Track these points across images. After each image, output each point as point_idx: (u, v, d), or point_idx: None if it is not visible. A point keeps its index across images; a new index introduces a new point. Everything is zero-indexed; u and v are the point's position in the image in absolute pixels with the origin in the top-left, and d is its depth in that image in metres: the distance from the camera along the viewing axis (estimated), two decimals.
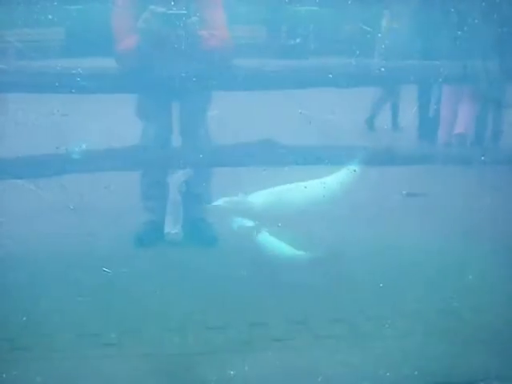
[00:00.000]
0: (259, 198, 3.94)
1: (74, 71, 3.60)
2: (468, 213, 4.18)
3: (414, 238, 4.04)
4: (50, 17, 3.78)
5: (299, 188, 3.95)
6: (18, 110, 3.96)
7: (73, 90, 3.60)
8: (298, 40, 5.66)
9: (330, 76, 3.82)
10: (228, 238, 4.01)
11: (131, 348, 3.12)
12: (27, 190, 3.68)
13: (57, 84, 3.58)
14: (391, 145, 3.99)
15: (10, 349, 3.08)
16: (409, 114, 5.23)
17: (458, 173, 4.32)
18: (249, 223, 3.87)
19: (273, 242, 3.82)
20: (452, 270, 3.68)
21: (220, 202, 3.89)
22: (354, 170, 3.84)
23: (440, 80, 4.05)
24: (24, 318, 3.24)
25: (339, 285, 3.55)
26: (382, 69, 3.88)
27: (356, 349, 3.08)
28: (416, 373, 2.92)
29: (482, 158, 3.96)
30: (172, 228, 4.08)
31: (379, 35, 5.31)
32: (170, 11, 3.60)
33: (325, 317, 3.33)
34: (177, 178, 4.06)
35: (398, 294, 3.48)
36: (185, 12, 3.62)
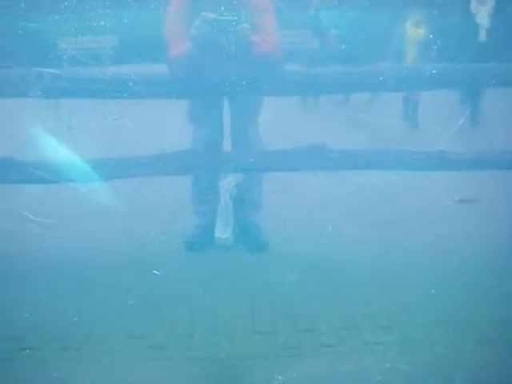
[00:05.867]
0: None
1: (127, 77, 3.66)
2: None
3: (467, 245, 3.97)
4: (103, 24, 3.85)
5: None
6: (72, 114, 4.05)
7: (126, 95, 3.66)
8: (347, 45, 5.64)
9: (381, 79, 3.79)
10: (278, 243, 4.00)
11: (180, 351, 3.13)
12: (79, 193, 3.74)
13: (110, 89, 3.63)
14: (443, 149, 3.91)
15: (61, 349, 3.12)
16: (461, 118, 5.14)
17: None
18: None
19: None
20: (505, 278, 3.60)
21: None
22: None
23: (494, 82, 3.96)
24: (75, 319, 3.30)
25: (389, 291, 3.51)
26: (434, 71, 3.83)
27: (406, 356, 3.03)
28: (467, 383, 2.86)
29: None
30: (222, 232, 4.09)
31: (431, 36, 5.25)
32: (221, 17, 3.63)
33: (374, 323, 3.29)
34: (228, 183, 4.07)
35: (450, 301, 3.42)
36: (236, 18, 3.64)
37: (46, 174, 3.60)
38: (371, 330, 3.23)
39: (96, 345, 3.15)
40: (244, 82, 3.65)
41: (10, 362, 3.04)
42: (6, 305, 3.41)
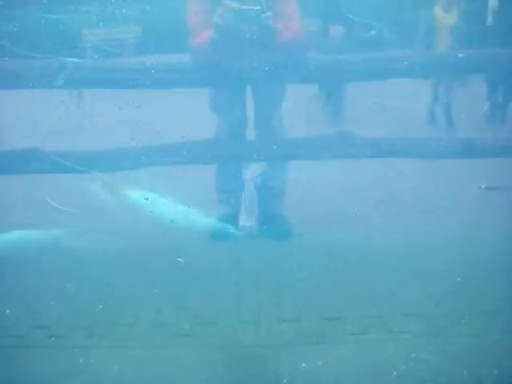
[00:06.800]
0: None
1: (150, 66, 3.67)
2: None
3: (493, 233, 3.93)
4: (125, 14, 3.85)
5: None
6: (94, 103, 4.06)
7: (148, 84, 3.66)
8: (372, 32, 5.58)
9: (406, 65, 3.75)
10: (302, 232, 4.00)
11: (205, 339, 3.14)
12: (103, 183, 3.76)
13: (133, 78, 3.64)
14: (468, 136, 3.87)
15: (88, 336, 3.16)
16: (485, 105, 5.08)
17: None
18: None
19: None
20: None
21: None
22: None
23: None
24: (100, 307, 3.32)
25: (414, 279, 3.50)
26: (460, 55, 3.78)
27: (431, 345, 3.02)
28: (495, 372, 2.83)
29: None
30: (247, 221, 4.08)
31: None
32: (244, 6, 3.62)
33: (399, 312, 3.28)
34: (252, 171, 4.06)
35: (476, 290, 3.40)
36: (258, 6, 3.63)
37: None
38: (396, 319, 3.22)
39: (121, 332, 3.17)
40: (267, 70, 3.64)
41: (38, 350, 3.08)
42: (33, 294, 3.45)
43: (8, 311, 3.30)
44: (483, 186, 4.60)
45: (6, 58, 3.78)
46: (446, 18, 5.44)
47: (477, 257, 3.70)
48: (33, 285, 3.49)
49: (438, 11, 5.57)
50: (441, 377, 2.84)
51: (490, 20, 5.28)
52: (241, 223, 4.09)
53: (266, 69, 3.63)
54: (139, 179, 3.81)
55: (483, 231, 3.96)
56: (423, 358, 2.94)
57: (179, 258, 3.58)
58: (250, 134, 4.04)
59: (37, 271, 3.60)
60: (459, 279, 3.43)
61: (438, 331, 3.13)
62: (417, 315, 3.25)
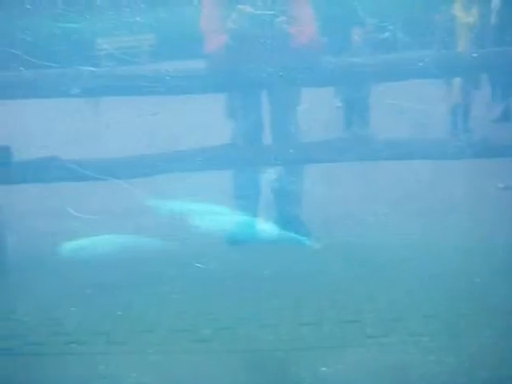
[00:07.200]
0: None
1: (165, 73, 3.68)
2: None
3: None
4: (140, 22, 3.88)
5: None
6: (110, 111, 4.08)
7: (164, 91, 3.67)
8: (387, 34, 5.57)
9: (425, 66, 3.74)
10: (320, 235, 3.99)
11: (224, 344, 3.14)
12: (121, 189, 3.77)
13: (148, 85, 3.66)
14: (486, 136, 3.85)
15: (106, 342, 3.17)
16: (501, 104, 5.05)
17: None
18: None
19: None
20: None
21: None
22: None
23: None
24: (119, 313, 3.33)
25: (434, 281, 3.48)
26: (475, 54, 3.77)
27: (451, 347, 2.99)
28: None
29: None
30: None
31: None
32: (258, 11, 3.62)
33: (419, 314, 3.25)
34: (268, 176, 4.06)
35: (495, 290, 3.37)
36: (273, 12, 3.63)
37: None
38: (416, 321, 3.20)
39: (141, 338, 3.18)
40: (282, 74, 3.64)
41: (57, 357, 3.08)
42: (53, 300, 3.48)
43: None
44: (501, 185, 4.57)
45: (21, 68, 3.82)
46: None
47: (496, 257, 3.67)
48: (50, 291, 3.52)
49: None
50: (460, 379, 2.81)
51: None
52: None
53: (281, 73, 3.63)
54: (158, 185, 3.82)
55: (502, 231, 3.93)
56: (443, 360, 2.91)
57: (198, 264, 3.59)
58: (266, 138, 4.03)
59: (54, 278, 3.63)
60: (478, 280, 3.40)
61: (458, 333, 3.11)
62: (436, 317, 3.22)
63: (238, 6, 3.65)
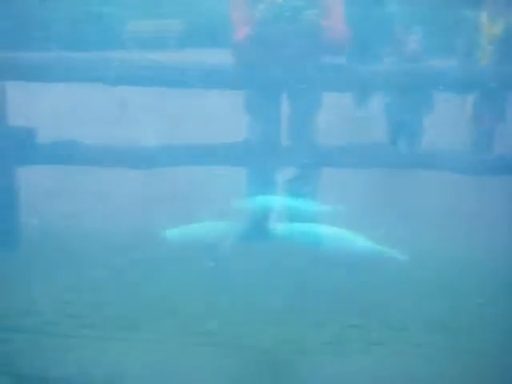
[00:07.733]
0: None
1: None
2: None
3: None
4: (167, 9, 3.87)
5: None
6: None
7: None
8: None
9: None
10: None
11: (230, 339, 3.13)
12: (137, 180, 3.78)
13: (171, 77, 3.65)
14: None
15: (117, 328, 3.20)
16: None
17: None
18: None
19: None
20: None
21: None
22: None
23: None
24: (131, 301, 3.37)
25: (441, 292, 3.45)
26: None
27: (456, 360, 2.96)
28: None
29: None
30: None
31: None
32: (287, 1, 3.58)
33: (423, 324, 3.22)
34: (285, 175, 4.04)
35: (500, 305, 3.34)
36: (301, 3, 3.59)
37: None
38: (420, 332, 3.17)
39: (150, 327, 3.19)
40: (308, 70, 3.60)
41: (70, 339, 3.11)
42: (67, 285, 3.51)
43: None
44: None
45: (50, 52, 3.83)
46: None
47: (504, 271, 3.64)
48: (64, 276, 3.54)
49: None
50: None
51: None
52: (271, 227, 4.07)
53: (307, 68, 3.59)
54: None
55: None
56: (447, 373, 2.88)
57: (210, 262, 3.59)
58: (286, 137, 4.00)
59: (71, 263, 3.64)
60: (484, 292, 3.38)
61: (463, 346, 3.07)
62: (440, 328, 3.19)
63: None
